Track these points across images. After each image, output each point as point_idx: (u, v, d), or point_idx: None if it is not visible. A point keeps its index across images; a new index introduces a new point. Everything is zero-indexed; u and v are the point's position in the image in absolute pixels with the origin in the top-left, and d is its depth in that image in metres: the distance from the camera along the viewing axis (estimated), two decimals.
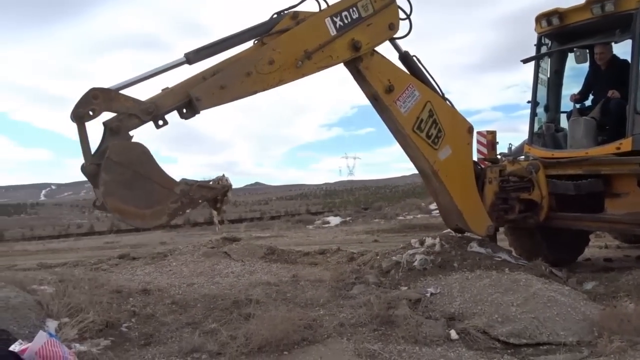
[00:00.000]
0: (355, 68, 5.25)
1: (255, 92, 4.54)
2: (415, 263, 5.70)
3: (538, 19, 6.81)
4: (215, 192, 4.22)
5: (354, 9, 5.01)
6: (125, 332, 4.34)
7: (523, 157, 6.82)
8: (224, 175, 4.32)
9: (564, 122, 7.09)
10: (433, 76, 5.74)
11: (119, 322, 4.46)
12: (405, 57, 5.63)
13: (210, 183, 4.24)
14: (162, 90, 4.18)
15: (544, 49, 7.07)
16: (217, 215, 4.35)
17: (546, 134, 6.91)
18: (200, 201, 4.15)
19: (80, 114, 3.73)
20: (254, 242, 8.90)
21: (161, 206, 3.90)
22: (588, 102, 6.93)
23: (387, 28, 5.29)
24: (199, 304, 5.12)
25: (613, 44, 6.52)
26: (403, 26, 5.38)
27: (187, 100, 4.19)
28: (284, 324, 4.02)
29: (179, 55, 4.28)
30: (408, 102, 5.44)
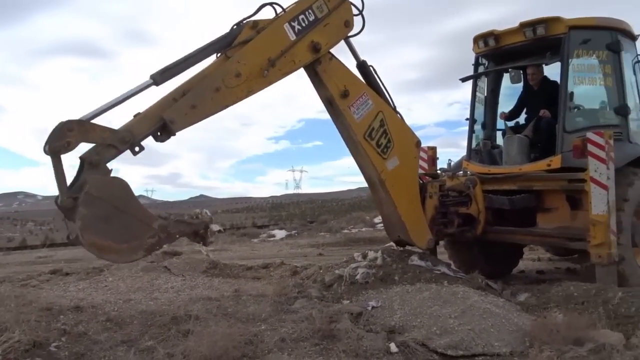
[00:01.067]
0: (313, 71, 5.33)
1: (227, 106, 4.62)
2: (358, 276, 5.74)
3: (476, 40, 7.10)
4: (193, 227, 4.25)
5: (310, 11, 5.10)
6: (54, 352, 4.10)
7: (462, 172, 7.03)
8: (202, 210, 4.39)
9: (500, 139, 7.38)
10: (387, 88, 5.88)
11: (48, 342, 4.21)
12: (362, 65, 5.77)
13: (187, 218, 4.29)
14: (134, 116, 4.17)
15: (481, 69, 7.38)
16: (205, 248, 4.37)
17: (483, 150, 7.17)
18: (177, 236, 4.15)
19: (56, 148, 3.66)
20: (196, 256, 8.70)
21: (138, 241, 3.87)
22: (522, 121, 7.27)
23: (343, 26, 5.41)
24: (136, 320, 4.92)
25: (544, 65, 6.87)
26: (357, 23, 5.50)
27: (162, 124, 4.19)
28: (223, 340, 3.94)
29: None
30: (361, 110, 5.55)
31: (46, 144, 3.67)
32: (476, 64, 7.33)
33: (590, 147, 5.48)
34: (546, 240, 6.74)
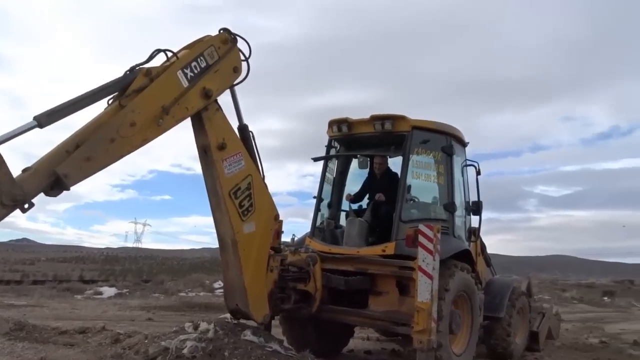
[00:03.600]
0: (198, 116, 5.27)
1: (121, 157, 4.50)
2: (185, 350, 5.35)
3: (330, 124, 7.48)
4: None
5: (202, 57, 5.18)
6: None
7: (304, 248, 7.11)
8: None
9: (343, 220, 7.68)
10: (260, 156, 5.98)
11: None
12: (243, 128, 5.89)
13: None
14: (23, 171, 3.83)
15: (333, 151, 7.74)
16: None
17: (326, 229, 7.38)
18: None
19: None
20: (1, 312, 7.54)
21: None
22: (365, 205, 7.67)
23: (232, 72, 5.54)
24: None
25: (389, 157, 7.43)
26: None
27: (55, 178, 3.92)
28: None
29: None
30: (233, 167, 5.58)
31: None
32: (329, 146, 7.69)
33: (420, 238, 5.88)
34: (375, 323, 6.98)
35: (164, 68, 4.90)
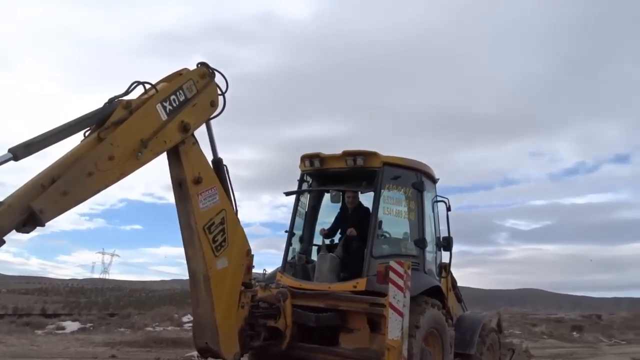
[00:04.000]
0: (175, 149, 5.20)
1: (98, 191, 4.40)
2: None
3: (303, 159, 7.50)
4: None
5: (181, 91, 5.15)
6: None
7: (274, 284, 7.01)
8: None
9: (315, 255, 7.62)
10: (234, 189, 5.92)
11: None
12: (218, 162, 5.81)
13: None
14: None
15: (305, 185, 7.73)
16: None
17: (297, 264, 7.31)
18: None
19: None
20: None
21: None
22: (337, 240, 7.65)
23: (209, 105, 5.51)
24: None
25: (360, 192, 7.46)
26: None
27: (29, 214, 3.78)
28: None
29: None
30: (208, 201, 5.48)
31: None
32: (301, 180, 7.69)
33: (391, 275, 5.86)
34: None
35: (143, 101, 4.84)
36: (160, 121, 4.91)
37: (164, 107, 4.98)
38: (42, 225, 3.95)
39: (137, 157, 4.68)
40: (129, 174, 4.69)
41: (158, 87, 5.04)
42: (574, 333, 25.16)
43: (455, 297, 8.82)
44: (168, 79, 5.26)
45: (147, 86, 4.97)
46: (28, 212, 3.83)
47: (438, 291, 7.09)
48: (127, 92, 4.79)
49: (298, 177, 7.72)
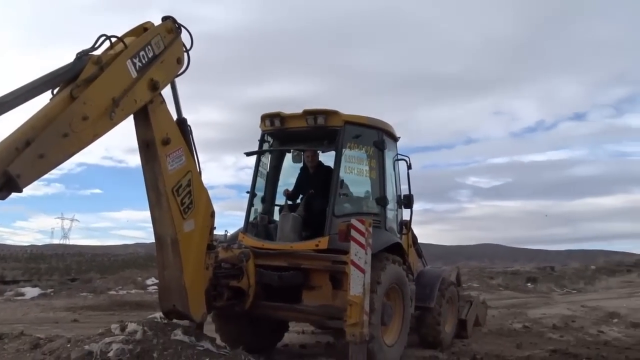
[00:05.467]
0: (143, 109, 5.01)
1: (74, 154, 4.25)
2: (111, 354, 5.13)
3: (263, 118, 7.38)
4: None
5: (149, 47, 4.97)
6: None
7: (237, 244, 7.00)
8: None
9: (277, 215, 7.62)
10: (197, 150, 5.78)
11: None
12: (182, 122, 5.65)
13: None
14: None
15: (266, 145, 7.65)
16: None
17: (260, 224, 7.30)
18: None
19: None
20: None
21: None
22: (299, 199, 7.65)
23: (176, 63, 5.34)
24: None
25: (322, 152, 7.43)
26: None
27: (5, 179, 3.60)
28: None
29: None
30: (175, 163, 5.38)
31: None
32: (261, 141, 7.59)
33: (352, 233, 5.92)
34: (309, 317, 6.99)
35: (112, 57, 4.63)
36: (130, 78, 4.75)
37: (134, 64, 4.81)
38: (20, 191, 3.80)
39: (111, 117, 4.51)
40: (102, 135, 4.51)
41: (127, 42, 4.80)
42: (529, 284, 26.26)
43: (416, 253, 9.04)
44: (134, 33, 5.04)
45: (114, 40, 4.71)
46: (5, 177, 3.66)
47: (399, 248, 7.24)
48: (94, 47, 4.55)
49: (259, 137, 7.63)
